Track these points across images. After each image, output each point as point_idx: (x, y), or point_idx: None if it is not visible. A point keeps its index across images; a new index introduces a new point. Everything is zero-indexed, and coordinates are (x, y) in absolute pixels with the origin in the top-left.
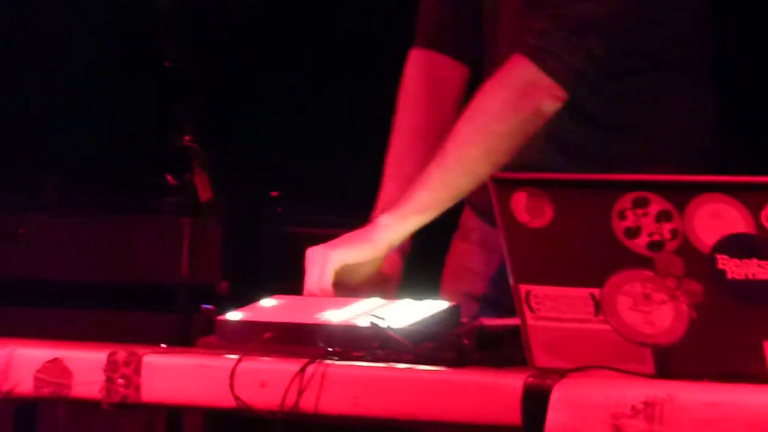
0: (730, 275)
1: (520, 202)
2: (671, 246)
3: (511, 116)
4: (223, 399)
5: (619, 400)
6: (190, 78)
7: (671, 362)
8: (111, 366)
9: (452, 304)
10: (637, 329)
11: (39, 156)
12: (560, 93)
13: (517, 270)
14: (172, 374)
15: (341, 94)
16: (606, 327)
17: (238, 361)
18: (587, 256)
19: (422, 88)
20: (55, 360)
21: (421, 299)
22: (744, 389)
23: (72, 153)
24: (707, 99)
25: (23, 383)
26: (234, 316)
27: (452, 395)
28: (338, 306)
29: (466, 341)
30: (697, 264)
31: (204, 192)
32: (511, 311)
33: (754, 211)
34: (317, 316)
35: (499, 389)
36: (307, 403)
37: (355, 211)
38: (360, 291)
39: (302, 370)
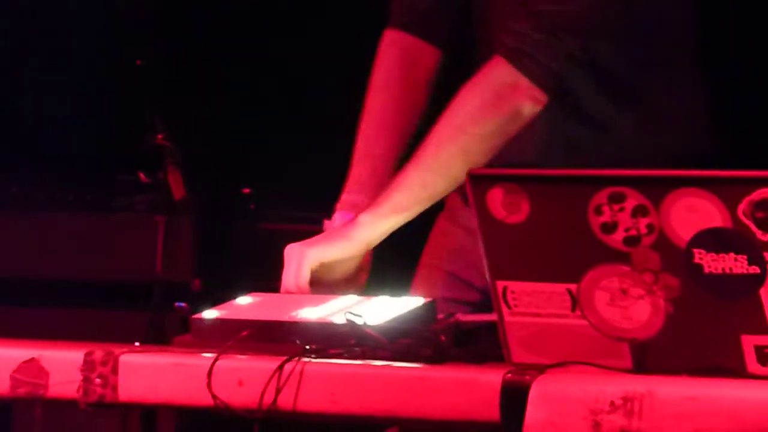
0: (707, 269)
1: (496, 198)
2: (648, 241)
3: (489, 118)
4: (201, 398)
5: (598, 396)
6: (161, 76)
7: (649, 357)
8: (88, 366)
9: (428, 300)
10: (614, 324)
11: (6, 153)
12: (539, 95)
13: (494, 266)
14: (149, 373)
15: (312, 89)
16: (583, 322)
17: (216, 359)
18: (564, 251)
19: (395, 70)
20: (31, 360)
21: (397, 294)
22: (723, 383)
23: (40, 151)
24: (701, 97)
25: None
26: (210, 314)
27: (431, 392)
28: (315, 303)
29: (442, 338)
30: (674, 258)
31: (178, 190)
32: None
33: (731, 206)
34: (294, 313)
35: (478, 385)
36: (286, 401)
37: (326, 207)
38: (335, 288)
39: (280, 368)
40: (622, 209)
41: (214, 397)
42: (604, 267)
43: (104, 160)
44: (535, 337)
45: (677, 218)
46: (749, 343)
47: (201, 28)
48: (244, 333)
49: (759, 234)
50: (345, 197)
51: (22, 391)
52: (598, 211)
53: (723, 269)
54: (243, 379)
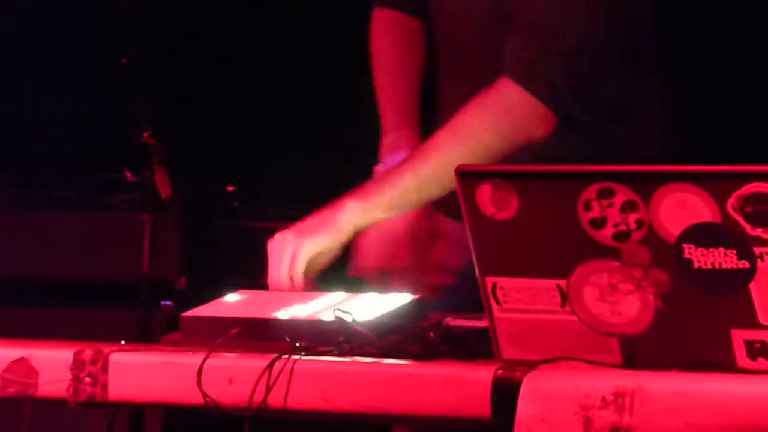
0: (696, 264)
1: (485, 194)
2: (637, 236)
3: (495, 135)
4: (191, 396)
5: (589, 392)
6: (146, 74)
7: (638, 352)
8: (77, 365)
9: (416, 296)
10: (603, 320)
11: None
12: (550, 117)
13: (483, 262)
14: (139, 372)
15: (296, 88)
16: (573, 318)
17: (206, 357)
18: (553, 247)
19: (393, 32)
20: (21, 359)
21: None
22: (713, 378)
23: (23, 149)
24: (677, 99)
25: None
26: (198, 312)
27: (421, 388)
28: (303, 301)
29: (431, 334)
30: (664, 254)
31: (164, 188)
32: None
33: (720, 201)
34: (282, 311)
35: (468, 382)
36: (276, 399)
37: (310, 204)
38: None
39: (270, 365)
40: (611, 205)
41: (204, 395)
42: (594, 262)
43: (88, 158)
44: (525, 333)
45: (666, 213)
46: (739, 337)
47: (185, 26)
48: (234, 331)
49: (748, 229)
50: (386, 140)
51: (11, 390)
52: (587, 207)
53: (712, 264)
54: (233, 377)
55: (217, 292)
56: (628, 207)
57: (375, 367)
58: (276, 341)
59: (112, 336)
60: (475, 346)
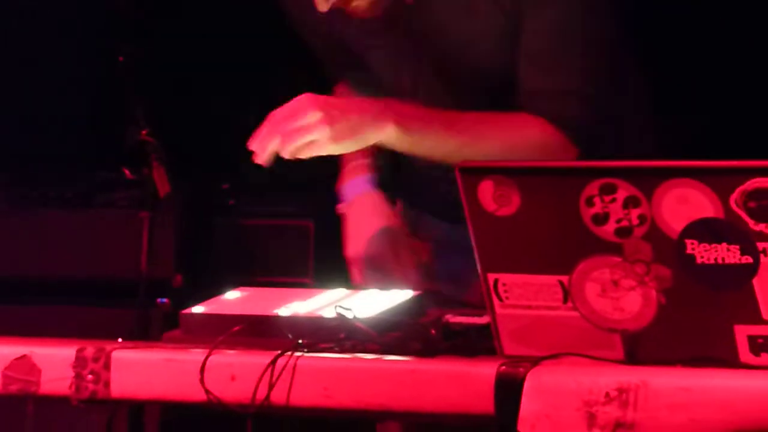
0: (699, 260)
1: (487, 190)
2: (639, 232)
3: (521, 153)
4: (194, 393)
5: (593, 387)
6: (144, 72)
7: (641, 348)
8: (80, 362)
9: (417, 293)
10: (606, 315)
11: None
12: (574, 152)
13: (484, 258)
14: (141, 369)
15: (293, 85)
16: (575, 314)
17: (208, 354)
18: (555, 243)
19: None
20: (23, 357)
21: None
22: (716, 374)
23: (23, 148)
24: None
25: None
26: (199, 309)
27: (424, 385)
28: (303, 298)
29: (433, 331)
30: (666, 249)
31: (163, 186)
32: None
33: (723, 196)
34: (283, 308)
35: (471, 378)
36: (279, 396)
37: (305, 202)
38: None
39: (273, 362)
40: (613, 200)
41: (207, 392)
42: (596, 258)
43: (85, 157)
44: (527, 329)
45: (669, 209)
46: (742, 333)
47: (181, 23)
48: (237, 328)
49: (751, 224)
50: (346, 168)
51: (14, 388)
52: (590, 203)
53: (715, 259)
54: (235, 374)
55: (212, 290)
56: (630, 203)
57: (377, 364)
58: (277, 338)
59: (109, 334)
60: (475, 343)
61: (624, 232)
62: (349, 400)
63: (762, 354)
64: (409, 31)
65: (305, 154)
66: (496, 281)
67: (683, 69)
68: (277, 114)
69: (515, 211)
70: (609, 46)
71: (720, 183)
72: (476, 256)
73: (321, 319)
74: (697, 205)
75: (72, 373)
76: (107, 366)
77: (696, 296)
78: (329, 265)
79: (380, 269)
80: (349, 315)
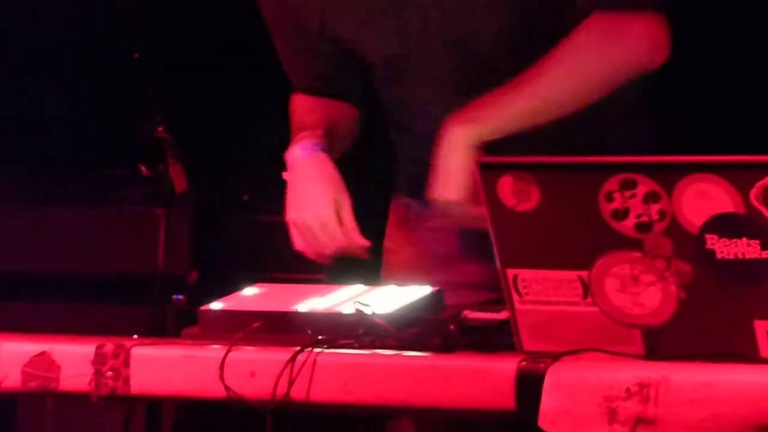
0: (719, 255)
1: (506, 186)
2: (659, 227)
3: (609, 66)
4: (213, 390)
5: (613, 383)
6: (159, 68)
7: (661, 343)
8: (99, 358)
9: (436, 288)
10: (625, 311)
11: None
12: (664, 39)
13: (504, 254)
14: (161, 366)
15: None
16: (594, 309)
17: (228, 351)
18: (575, 238)
19: (311, 98)
20: (42, 354)
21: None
22: (737, 369)
23: (38, 145)
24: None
25: (10, 377)
26: (217, 305)
27: (444, 381)
28: (321, 293)
29: (451, 326)
30: (686, 244)
31: (179, 182)
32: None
33: (743, 191)
34: (301, 304)
35: (491, 374)
36: (299, 392)
37: None
38: None
39: (293, 358)
40: (633, 196)
41: (226, 388)
42: (615, 254)
43: (100, 153)
44: (546, 324)
45: (689, 204)
46: (762, 328)
47: (194, 21)
48: (256, 324)
49: None
50: (298, 136)
51: (33, 384)
52: (609, 198)
53: (735, 254)
54: (255, 370)
55: (226, 286)
56: (650, 198)
57: (397, 360)
58: (296, 334)
59: (124, 330)
60: (494, 339)
61: (644, 227)
62: (369, 395)
63: None
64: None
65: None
66: (515, 277)
67: (683, 68)
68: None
69: (534, 206)
70: None
71: (740, 178)
72: (495, 251)
73: (340, 315)
74: (717, 200)
75: (91, 370)
76: (127, 362)
77: (716, 291)
78: (343, 261)
79: (320, 232)
80: (367, 311)
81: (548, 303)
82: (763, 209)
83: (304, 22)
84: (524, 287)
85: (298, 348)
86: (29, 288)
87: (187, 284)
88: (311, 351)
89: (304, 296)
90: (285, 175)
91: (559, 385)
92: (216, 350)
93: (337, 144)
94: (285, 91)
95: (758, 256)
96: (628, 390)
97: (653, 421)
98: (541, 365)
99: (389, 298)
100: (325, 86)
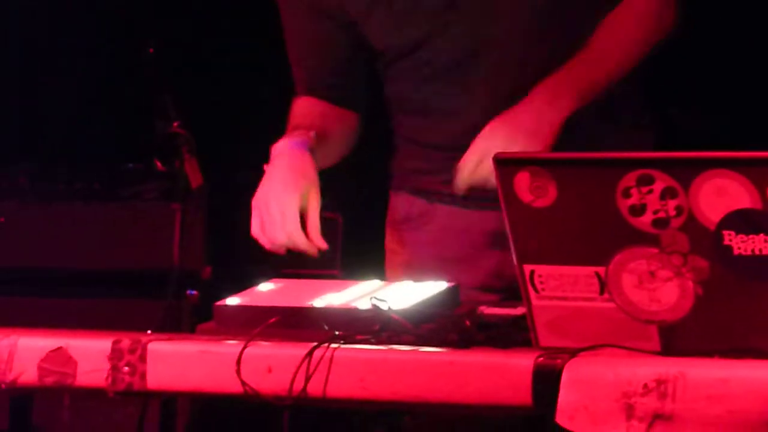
0: (736, 251)
1: (523, 181)
2: (677, 223)
3: (646, 37)
4: (230, 385)
5: (631, 379)
6: (175, 63)
7: (678, 339)
8: (116, 354)
9: (452, 284)
10: (642, 307)
11: (13, 142)
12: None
13: (521, 250)
14: (177, 361)
15: None
16: (611, 305)
17: (245, 346)
18: (592, 234)
19: (313, 101)
20: (59, 349)
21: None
22: (754, 365)
23: (48, 140)
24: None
25: (27, 373)
26: (233, 301)
27: (461, 376)
28: (337, 289)
29: (467, 322)
30: (703, 240)
31: (195, 178)
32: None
33: (761, 187)
34: (317, 299)
35: (508, 370)
36: (315, 388)
37: (333, 194)
38: None
39: (310, 354)
40: (650, 191)
41: (243, 384)
42: (632, 249)
43: (116, 149)
44: (563, 320)
45: (706, 200)
46: None
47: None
48: (273, 320)
49: None
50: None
51: (49, 380)
52: (626, 194)
53: (752, 250)
54: (272, 365)
55: (240, 281)
56: (667, 194)
57: (413, 356)
58: (313, 330)
59: (138, 325)
60: (510, 334)
61: (661, 223)
62: (386, 391)
63: None
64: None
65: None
66: (532, 272)
67: (699, 66)
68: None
69: (552, 202)
70: None
71: (757, 174)
72: (512, 247)
73: (356, 310)
74: (734, 196)
75: (108, 365)
76: (143, 358)
77: (733, 287)
78: (357, 257)
79: (278, 219)
80: (384, 306)
81: (565, 299)
82: None
83: (322, 5)
84: (541, 283)
85: (315, 343)
86: (45, 284)
87: (202, 279)
88: (328, 346)
89: (320, 292)
90: (266, 167)
91: (577, 381)
92: (233, 345)
93: (329, 150)
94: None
95: None
96: (645, 386)
97: (670, 417)
98: (559, 361)
99: (405, 294)
100: (331, 88)
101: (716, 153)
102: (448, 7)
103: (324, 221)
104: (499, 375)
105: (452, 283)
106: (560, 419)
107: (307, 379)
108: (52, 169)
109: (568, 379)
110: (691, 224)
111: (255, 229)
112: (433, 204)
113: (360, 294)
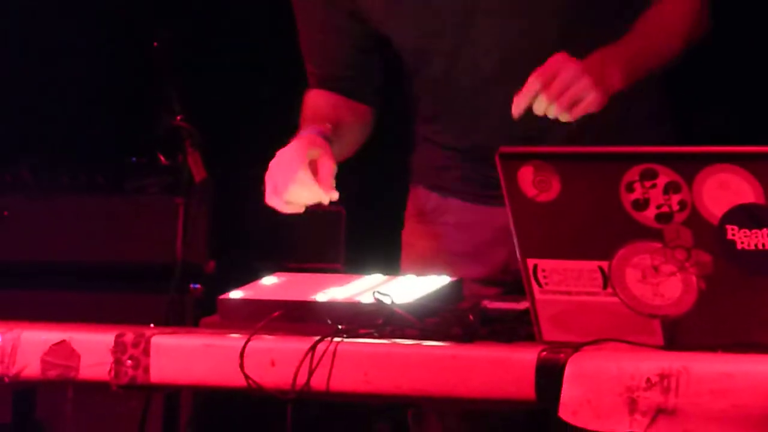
0: (740, 246)
1: (527, 176)
2: (680, 217)
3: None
4: (233, 379)
5: (634, 373)
6: (178, 58)
7: (681, 333)
8: (119, 347)
9: (455, 279)
10: (646, 301)
11: (17, 136)
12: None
13: (524, 244)
14: (180, 355)
15: None
16: (615, 300)
17: (248, 340)
18: (595, 229)
19: (327, 94)
20: (62, 342)
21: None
22: (758, 359)
23: (51, 133)
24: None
25: (30, 366)
26: (237, 295)
27: (465, 371)
28: (340, 283)
29: (471, 316)
30: (707, 235)
31: (198, 172)
32: (509, 288)
33: (764, 181)
34: (320, 293)
35: (512, 364)
36: (319, 382)
37: (337, 187)
38: None
39: (313, 348)
40: (654, 186)
41: (246, 377)
42: (636, 244)
43: (119, 142)
44: (566, 314)
45: (710, 194)
46: None
47: (212, 8)
48: (277, 313)
49: None
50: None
51: (53, 373)
52: (630, 189)
53: (756, 245)
54: (275, 359)
55: (244, 276)
56: (671, 188)
57: (418, 349)
58: (316, 324)
59: (141, 319)
60: (514, 329)
61: (664, 217)
62: (389, 385)
63: None
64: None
65: (576, 114)
66: (535, 267)
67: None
68: (540, 74)
69: (555, 196)
70: None
71: (760, 168)
72: (516, 241)
73: (359, 304)
74: (737, 191)
75: (111, 359)
76: (146, 351)
77: (736, 282)
78: (361, 250)
79: (287, 176)
80: (387, 301)
81: (568, 293)
82: None
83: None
84: (544, 277)
85: (318, 337)
86: (48, 277)
87: (205, 273)
88: (331, 340)
89: (324, 286)
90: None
91: (580, 375)
92: (236, 339)
93: (343, 142)
94: (305, 80)
95: None
96: (648, 380)
97: (674, 412)
98: (562, 355)
99: (409, 288)
100: (344, 79)
101: (719, 148)
102: (470, 18)
103: (327, 214)
104: (503, 369)
105: (455, 278)
106: (563, 413)
107: (311, 373)
108: (56, 163)
109: (571, 373)
110: (695, 219)
111: (268, 197)
112: (446, 199)
113: (363, 288)
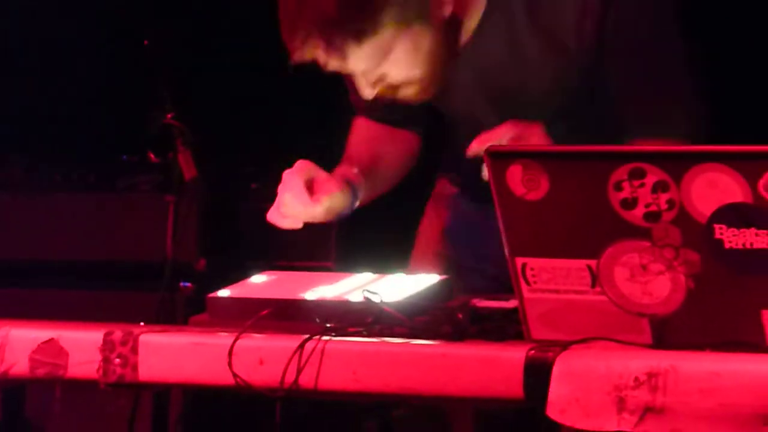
0: (727, 245)
1: (515, 175)
2: (668, 216)
3: None
4: (221, 377)
5: (623, 372)
6: (169, 56)
7: (669, 332)
8: (107, 345)
9: (444, 277)
10: (634, 300)
11: (8, 134)
12: None
13: (512, 243)
14: (169, 353)
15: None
16: (603, 298)
17: (236, 338)
18: (584, 227)
19: (373, 127)
20: (50, 341)
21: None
22: (745, 358)
23: (42, 131)
24: None
25: (18, 364)
26: (225, 293)
27: (454, 369)
28: (330, 281)
29: (460, 315)
30: (695, 234)
31: (188, 170)
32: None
33: (752, 181)
34: (310, 292)
35: (500, 362)
36: (307, 380)
37: None
38: None
39: (301, 346)
40: (642, 185)
41: (235, 376)
42: (624, 243)
43: (110, 140)
44: (555, 313)
45: (698, 194)
46: None
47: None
48: (265, 312)
49: None
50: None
51: (41, 372)
52: (618, 187)
53: (743, 244)
54: (263, 358)
55: (234, 274)
56: (659, 187)
57: (406, 348)
58: (305, 322)
59: (131, 317)
60: (503, 327)
61: (653, 216)
62: (378, 383)
63: None
64: (462, 66)
65: None
66: (524, 265)
67: None
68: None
69: (544, 195)
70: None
71: (749, 168)
72: (504, 240)
73: (348, 303)
74: (725, 190)
75: (99, 357)
76: (135, 350)
77: (724, 281)
78: (351, 249)
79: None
80: (376, 299)
81: (557, 292)
82: None
83: None
84: (533, 276)
85: (307, 336)
86: (37, 275)
87: (196, 271)
88: (320, 339)
89: (313, 284)
90: None
91: (568, 374)
92: (224, 338)
93: (380, 176)
94: (296, 80)
95: (766, 246)
96: (636, 379)
97: (662, 410)
98: (550, 354)
99: (398, 287)
100: (385, 111)
101: (707, 147)
102: (477, 90)
103: None
104: (491, 367)
105: (444, 276)
106: (551, 412)
107: (299, 371)
108: (47, 161)
109: (559, 371)
110: (683, 218)
111: (269, 212)
112: (455, 199)
113: (353, 286)
